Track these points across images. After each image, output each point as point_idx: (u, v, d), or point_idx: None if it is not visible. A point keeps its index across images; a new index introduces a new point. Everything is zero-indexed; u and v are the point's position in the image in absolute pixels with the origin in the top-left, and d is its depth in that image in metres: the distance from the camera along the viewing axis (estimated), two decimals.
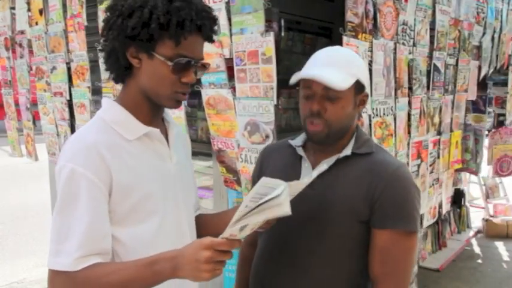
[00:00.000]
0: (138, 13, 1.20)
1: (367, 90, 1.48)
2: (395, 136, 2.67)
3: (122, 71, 1.30)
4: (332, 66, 1.38)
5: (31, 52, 3.66)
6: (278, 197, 1.07)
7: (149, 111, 1.34)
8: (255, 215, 1.07)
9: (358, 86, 1.41)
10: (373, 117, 2.45)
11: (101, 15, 2.92)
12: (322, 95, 1.37)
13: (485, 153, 4.86)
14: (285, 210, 1.07)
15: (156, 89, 1.28)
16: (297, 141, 1.57)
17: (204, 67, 1.34)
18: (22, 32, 3.70)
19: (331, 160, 1.45)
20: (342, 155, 1.45)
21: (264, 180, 1.09)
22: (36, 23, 3.50)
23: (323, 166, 1.24)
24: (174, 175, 1.39)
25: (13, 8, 3.82)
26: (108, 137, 1.27)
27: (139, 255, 1.23)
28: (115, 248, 1.27)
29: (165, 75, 1.25)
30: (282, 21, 3.51)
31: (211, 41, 1.33)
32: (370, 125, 2.44)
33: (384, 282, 1.40)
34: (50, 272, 1.21)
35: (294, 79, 1.41)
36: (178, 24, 1.21)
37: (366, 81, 1.45)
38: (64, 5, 3.21)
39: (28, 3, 3.55)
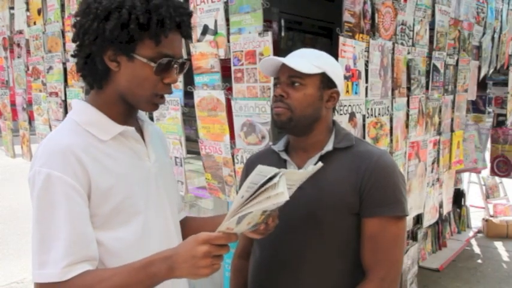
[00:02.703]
0: (116, 15, 1.16)
1: (340, 89, 1.53)
2: (391, 136, 2.66)
3: (100, 76, 1.24)
4: (299, 56, 1.49)
5: (29, 52, 3.65)
6: (276, 186, 1.04)
7: (124, 111, 1.30)
8: (252, 205, 1.05)
9: (326, 81, 1.47)
10: (368, 117, 2.44)
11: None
12: (287, 83, 1.45)
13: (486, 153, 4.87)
14: (283, 196, 1.04)
15: (136, 91, 1.24)
16: (279, 145, 1.60)
17: (184, 66, 1.31)
18: (20, 32, 3.69)
19: (315, 158, 1.48)
20: (323, 151, 1.48)
21: (259, 168, 1.06)
22: (35, 23, 3.50)
23: (319, 164, 1.24)
24: (154, 174, 1.35)
25: (12, 8, 3.81)
26: (82, 139, 1.22)
27: (123, 258, 1.20)
28: (99, 253, 1.22)
29: (146, 76, 1.22)
30: (282, 21, 3.51)
31: (189, 37, 1.33)
32: (364, 125, 2.43)
33: (375, 270, 1.41)
34: (37, 285, 1.15)
35: (260, 64, 1.53)
36: (158, 22, 1.18)
37: (336, 78, 1.49)
38: (62, 5, 3.21)
39: (27, 3, 3.54)
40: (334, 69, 1.51)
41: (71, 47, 3.13)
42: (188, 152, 2.81)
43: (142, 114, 1.41)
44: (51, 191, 1.15)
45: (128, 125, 1.30)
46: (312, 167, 1.22)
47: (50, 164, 1.16)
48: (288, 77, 1.45)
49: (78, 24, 1.21)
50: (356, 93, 2.33)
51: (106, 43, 1.18)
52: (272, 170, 1.07)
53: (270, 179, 1.06)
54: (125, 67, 1.22)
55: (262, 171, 1.06)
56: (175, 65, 1.25)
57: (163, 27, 1.19)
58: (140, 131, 1.37)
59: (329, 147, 1.49)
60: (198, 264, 1.08)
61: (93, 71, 1.24)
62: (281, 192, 1.04)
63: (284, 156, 1.55)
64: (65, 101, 3.27)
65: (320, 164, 1.24)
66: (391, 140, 2.67)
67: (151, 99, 1.26)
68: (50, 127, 3.46)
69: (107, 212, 1.22)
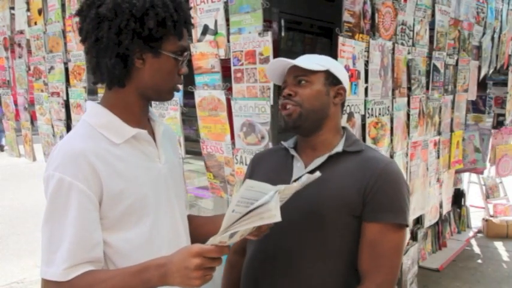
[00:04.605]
0: (153, 14, 1.21)
1: (346, 86, 1.58)
2: (391, 136, 2.66)
3: (123, 75, 1.26)
4: (302, 59, 1.55)
5: (30, 52, 3.66)
6: (267, 204, 1.06)
7: (139, 111, 1.34)
8: (245, 223, 1.07)
9: (331, 78, 1.52)
10: (368, 117, 2.45)
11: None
12: (294, 83, 1.52)
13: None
14: (276, 218, 1.06)
15: (160, 85, 1.30)
16: (289, 142, 1.63)
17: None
18: (21, 32, 3.69)
19: (323, 157, 1.50)
20: (333, 152, 1.50)
21: (249, 183, 1.08)
22: (35, 23, 3.50)
23: (316, 173, 1.27)
24: (164, 175, 1.38)
25: (12, 8, 3.81)
26: (96, 143, 1.25)
27: (132, 259, 1.23)
28: (108, 254, 1.26)
29: (171, 70, 1.29)
30: (282, 21, 3.51)
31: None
32: (363, 125, 2.44)
33: (372, 276, 1.41)
34: (43, 280, 1.21)
35: (267, 68, 1.61)
36: (184, 19, 1.27)
37: (341, 76, 1.55)
38: (63, 5, 3.21)
39: (27, 3, 3.53)
40: (338, 67, 1.57)
41: (73, 47, 3.13)
42: (188, 152, 2.82)
43: (153, 114, 1.43)
44: (62, 196, 1.19)
45: (141, 126, 1.33)
46: (306, 176, 1.24)
47: (63, 169, 1.20)
48: (294, 78, 1.51)
49: (108, 25, 1.21)
50: (355, 93, 2.34)
51: (141, 41, 1.22)
52: (265, 187, 1.09)
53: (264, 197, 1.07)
54: (149, 63, 1.27)
55: (253, 186, 1.08)
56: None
57: (186, 23, 1.28)
58: (151, 131, 1.39)
59: (339, 148, 1.51)
60: (190, 275, 1.12)
61: (113, 70, 1.25)
62: (273, 215, 1.06)
63: (293, 152, 1.58)
64: (66, 101, 3.27)
65: (318, 173, 1.26)
66: (391, 140, 2.67)
67: (173, 89, 1.34)
68: (53, 127, 3.47)
69: (117, 214, 1.25)
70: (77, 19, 2.77)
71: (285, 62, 1.53)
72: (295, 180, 1.47)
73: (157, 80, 1.29)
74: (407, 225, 1.47)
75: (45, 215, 1.21)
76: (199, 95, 2.50)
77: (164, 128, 1.45)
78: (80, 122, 1.34)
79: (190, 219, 1.57)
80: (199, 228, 1.54)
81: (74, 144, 1.24)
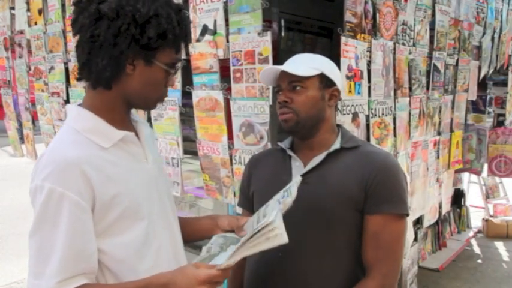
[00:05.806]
0: (155, 23, 1.18)
1: (340, 87, 1.58)
2: (394, 136, 2.66)
3: (110, 77, 1.22)
4: (295, 62, 1.55)
5: (30, 52, 3.66)
6: (272, 223, 1.08)
7: (124, 113, 1.31)
8: (252, 245, 1.09)
9: (325, 81, 1.52)
10: (372, 118, 2.45)
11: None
12: (288, 89, 1.51)
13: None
14: (282, 238, 1.09)
15: (148, 94, 1.27)
16: (286, 143, 1.65)
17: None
18: (21, 32, 3.69)
19: (322, 155, 1.52)
20: (331, 149, 1.53)
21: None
22: (35, 23, 3.50)
23: (299, 178, 1.31)
24: (155, 175, 1.36)
25: (12, 8, 3.81)
26: (86, 150, 1.20)
27: (128, 264, 1.22)
28: (103, 261, 1.21)
29: (160, 81, 1.26)
30: (282, 21, 3.51)
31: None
32: (367, 125, 2.43)
33: (377, 267, 1.44)
34: None
35: (260, 74, 1.60)
36: (186, 33, 1.26)
37: (334, 77, 1.55)
38: (63, 5, 3.21)
39: (27, 3, 3.54)
40: (331, 68, 1.56)
41: (73, 47, 3.12)
42: (188, 152, 2.81)
43: (135, 115, 1.40)
44: (52, 206, 1.13)
45: (125, 128, 1.29)
46: (295, 184, 1.27)
47: (53, 179, 1.13)
48: (288, 83, 1.51)
49: (107, 24, 1.17)
50: (359, 93, 2.34)
51: (137, 48, 1.19)
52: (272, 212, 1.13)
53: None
54: (140, 71, 1.23)
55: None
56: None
57: (185, 37, 1.27)
58: (135, 132, 1.36)
59: (336, 145, 1.53)
60: None
61: (103, 71, 1.20)
62: (279, 233, 1.09)
63: (290, 152, 1.59)
64: (67, 101, 3.27)
65: (299, 178, 1.30)
66: (395, 141, 2.67)
67: (160, 99, 1.32)
68: (54, 127, 3.47)
69: (111, 220, 1.21)
70: None
71: (278, 70, 1.53)
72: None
73: (144, 88, 1.25)
74: (407, 215, 1.50)
75: (33, 227, 1.15)
76: (197, 95, 2.49)
77: (148, 129, 1.43)
78: (63, 127, 1.28)
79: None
80: (183, 230, 1.50)
81: (63, 153, 1.17)
